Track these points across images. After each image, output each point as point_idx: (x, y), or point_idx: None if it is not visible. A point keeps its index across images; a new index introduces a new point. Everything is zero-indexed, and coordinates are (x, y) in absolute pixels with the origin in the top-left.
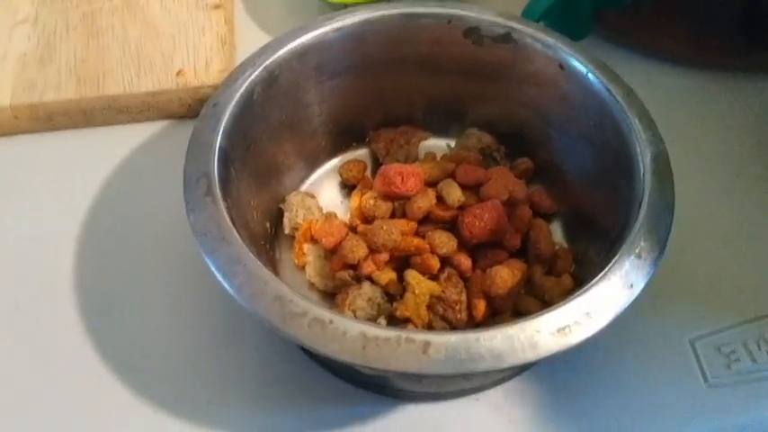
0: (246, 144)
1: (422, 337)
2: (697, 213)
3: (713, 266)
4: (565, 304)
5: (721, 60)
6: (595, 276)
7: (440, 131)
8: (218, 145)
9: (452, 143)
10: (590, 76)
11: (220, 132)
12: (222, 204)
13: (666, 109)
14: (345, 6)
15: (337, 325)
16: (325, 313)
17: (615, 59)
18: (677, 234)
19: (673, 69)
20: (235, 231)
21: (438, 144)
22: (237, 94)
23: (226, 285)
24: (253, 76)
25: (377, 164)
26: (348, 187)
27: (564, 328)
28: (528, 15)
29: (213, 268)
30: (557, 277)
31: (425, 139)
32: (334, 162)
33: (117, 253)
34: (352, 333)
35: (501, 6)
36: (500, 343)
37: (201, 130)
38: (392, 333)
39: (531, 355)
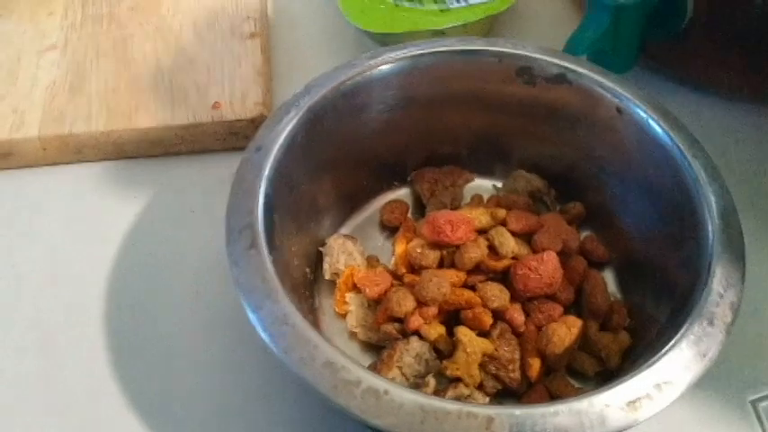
0: (289, 188)
1: (484, 411)
2: (758, 265)
3: None
4: (634, 375)
5: None
6: (660, 338)
7: (484, 171)
8: (262, 192)
9: (498, 184)
10: (650, 122)
11: (264, 178)
12: (267, 258)
13: (720, 147)
14: (384, 35)
15: (393, 396)
16: (379, 382)
17: (663, 94)
18: None
19: (726, 104)
20: (281, 288)
21: (484, 185)
22: (281, 138)
23: (272, 348)
24: (297, 118)
25: (419, 204)
26: (389, 229)
27: (634, 402)
28: (571, 49)
29: (259, 328)
30: (613, 334)
31: (471, 180)
32: (376, 203)
33: (147, 292)
34: (409, 406)
35: (545, 38)
36: (567, 419)
37: (244, 176)
38: (453, 406)
39: (599, 431)
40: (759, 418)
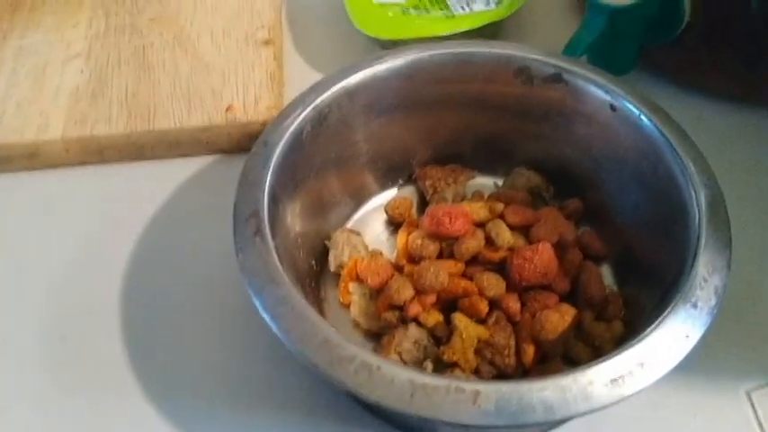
0: (295, 182)
1: (472, 386)
2: (751, 259)
3: None
4: (618, 354)
5: None
6: (648, 323)
7: (487, 170)
8: (267, 183)
9: (500, 182)
10: (642, 118)
11: (270, 171)
12: (271, 244)
13: (716, 149)
14: (394, 43)
15: (385, 371)
16: (372, 358)
17: (661, 97)
18: (731, 280)
19: (722, 107)
20: (283, 272)
21: (485, 182)
22: (287, 133)
23: (273, 327)
24: (302, 115)
25: (423, 201)
26: (394, 225)
27: (617, 379)
28: (570, 51)
29: (261, 309)
30: (607, 323)
31: (473, 177)
32: (380, 199)
33: (163, 286)
34: (400, 380)
35: (548, 45)
36: (552, 394)
37: (252, 168)
38: (441, 381)
39: (583, 407)
40: (753, 407)
